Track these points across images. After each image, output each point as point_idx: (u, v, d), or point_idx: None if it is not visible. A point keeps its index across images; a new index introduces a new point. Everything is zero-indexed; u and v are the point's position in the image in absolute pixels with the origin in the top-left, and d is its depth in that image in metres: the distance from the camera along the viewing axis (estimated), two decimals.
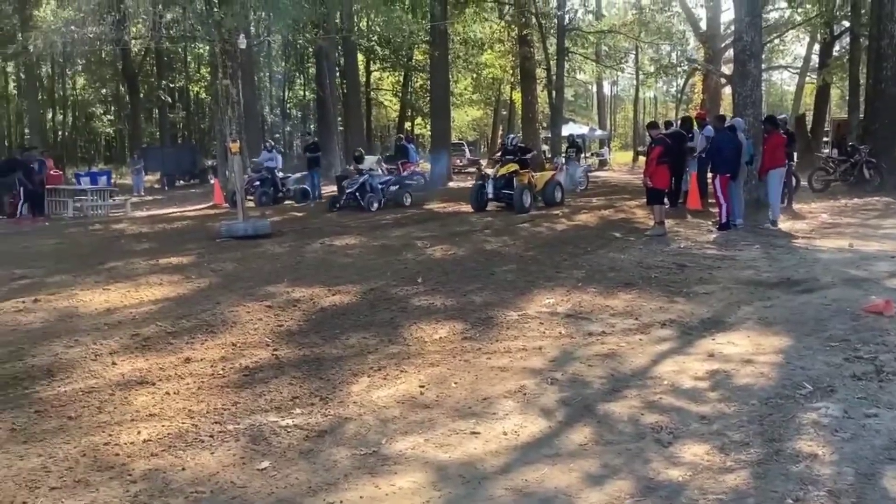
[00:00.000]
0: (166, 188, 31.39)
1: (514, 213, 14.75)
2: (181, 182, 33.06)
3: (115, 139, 51.23)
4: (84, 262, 10.38)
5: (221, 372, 5.08)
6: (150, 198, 25.70)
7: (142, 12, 25.35)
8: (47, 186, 18.81)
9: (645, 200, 12.62)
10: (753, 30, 12.60)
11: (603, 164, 38.70)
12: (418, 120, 47.39)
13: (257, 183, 19.54)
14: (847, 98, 26.39)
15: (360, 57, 36.45)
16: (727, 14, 32.26)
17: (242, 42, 18.15)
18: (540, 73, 32.82)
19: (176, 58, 45.02)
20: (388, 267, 9.16)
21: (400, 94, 43.68)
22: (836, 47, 29.03)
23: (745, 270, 8.34)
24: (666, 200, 12.22)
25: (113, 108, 48.45)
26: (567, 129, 33.45)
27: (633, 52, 39.71)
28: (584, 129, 41.77)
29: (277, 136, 44.40)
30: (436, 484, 3.40)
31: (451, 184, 25.74)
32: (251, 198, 18.56)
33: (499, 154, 17.53)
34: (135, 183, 29.13)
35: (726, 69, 28.01)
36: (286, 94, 48.73)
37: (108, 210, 19.57)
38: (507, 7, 33.19)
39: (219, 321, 6.50)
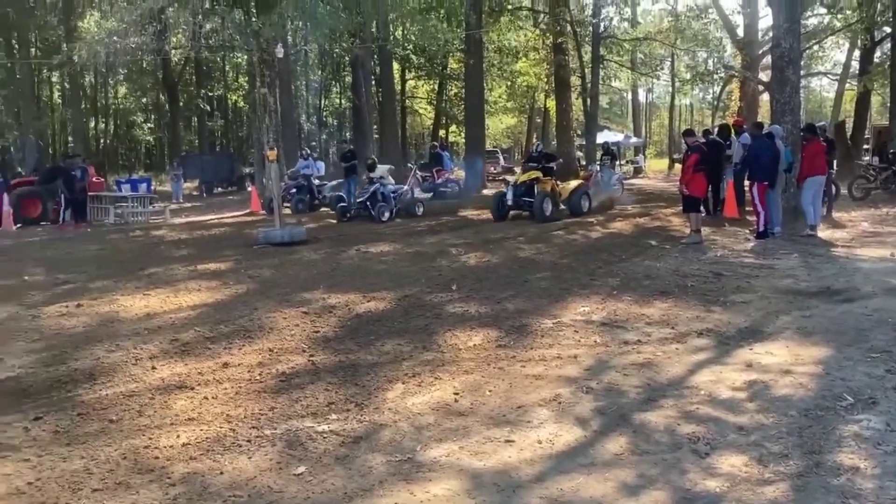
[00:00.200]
0: (205, 195, 31.87)
1: (535, 221, 14.47)
2: (219, 189, 33.55)
3: (155, 147, 52.12)
4: (125, 267, 10.58)
5: (258, 377, 5.15)
6: (188, 205, 26.12)
7: (182, 22, 25.77)
8: (89, 193, 19.21)
9: (681, 208, 12.50)
10: (792, 36, 12.43)
11: (638, 171, 38.42)
12: (453, 128, 47.48)
13: (294, 190, 19.75)
14: (888, 105, 25.82)
15: (396, 65, 36.67)
16: (765, 20, 31.81)
17: (280, 51, 18.43)
18: (574, 80, 32.70)
19: (215, 67, 45.71)
20: (423, 274, 9.20)
21: (434, 102, 43.84)
22: (877, 53, 28.50)
23: (784, 279, 8.22)
24: (702, 208, 12.09)
25: (153, 116, 49.33)
26: (602, 137, 33.24)
27: (669, 60, 39.42)
28: (619, 137, 41.51)
29: (314, 143, 44.76)
30: (470, 492, 3.40)
31: (485, 191, 25.72)
32: (288, 205, 18.75)
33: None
34: (174, 190, 29.65)
35: (764, 76, 27.67)
36: (322, 102, 49.17)
37: (148, 217, 19.92)
38: (541, 15, 33.18)
39: (256, 327, 6.59)
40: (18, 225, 17.78)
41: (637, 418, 4.26)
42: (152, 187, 29.36)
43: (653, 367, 5.17)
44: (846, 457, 3.62)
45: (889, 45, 26.34)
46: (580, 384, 4.85)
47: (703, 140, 13.09)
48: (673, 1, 34.54)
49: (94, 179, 20.67)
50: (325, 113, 50.50)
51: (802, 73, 22.67)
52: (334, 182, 21.74)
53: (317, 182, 20.84)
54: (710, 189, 13.05)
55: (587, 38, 30.77)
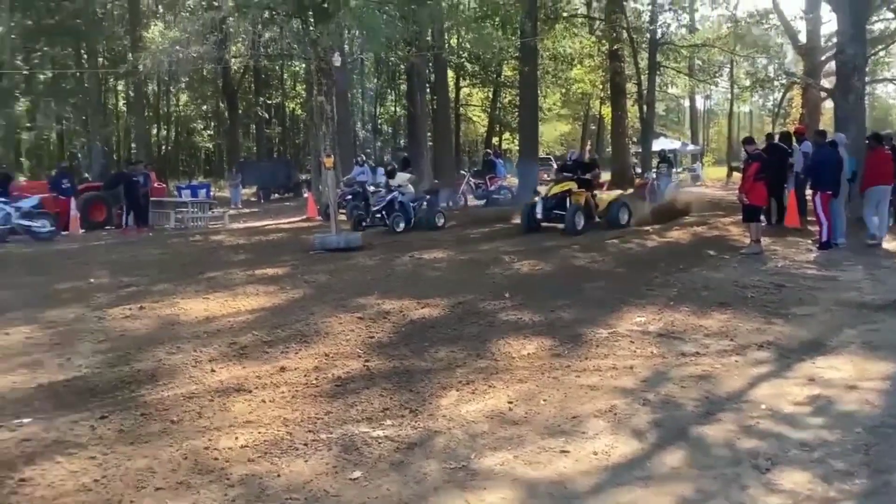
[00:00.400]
0: (262, 201, 32.44)
1: (567, 235, 13.56)
2: (276, 195, 34.11)
3: (214, 153, 53.28)
4: (185, 271, 10.84)
5: (315, 381, 5.22)
6: (246, 210, 26.62)
7: (242, 32, 26.36)
8: (151, 198, 19.73)
9: (740, 217, 12.25)
10: (857, 42, 12.11)
11: (695, 179, 37.76)
12: (506, 135, 47.45)
13: (349, 197, 19.94)
14: None
15: (450, 73, 36.80)
16: (828, 26, 30.97)
17: (337, 60, 18.66)
18: (630, 87, 32.33)
19: (273, 75, 46.55)
20: (476, 281, 9.20)
21: (488, 110, 43.89)
22: None
23: (848, 292, 7.99)
24: (763, 218, 11.82)
25: (213, 123, 50.45)
26: (658, 144, 32.88)
27: (728, 66, 38.68)
28: (676, 144, 40.96)
29: (368, 151, 45.26)
30: (525, 501, 3.39)
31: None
32: (343, 211, 18.96)
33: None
34: (232, 196, 30.25)
35: (827, 83, 26.89)
36: (377, 109, 49.66)
37: (207, 222, 20.35)
38: (597, 22, 32.94)
39: (312, 331, 6.67)
40: (83, 230, 18.33)
41: (695, 432, 4.19)
42: (211, 193, 29.99)
43: (711, 380, 5.08)
44: None
45: None
46: (636, 396, 4.79)
47: (766, 145, 12.80)
48: (732, 6, 33.78)
49: (155, 185, 21.21)
50: (379, 121, 51.00)
51: (868, 79, 22.05)
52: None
53: (372, 189, 21.02)
54: (771, 198, 12.76)
55: (644, 45, 30.40)
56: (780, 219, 13.67)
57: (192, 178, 43.26)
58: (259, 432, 4.26)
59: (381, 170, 23.55)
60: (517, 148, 34.94)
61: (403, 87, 40.90)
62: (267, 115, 47.60)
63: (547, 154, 44.41)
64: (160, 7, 36.52)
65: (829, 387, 4.84)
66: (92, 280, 10.19)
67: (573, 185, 14.47)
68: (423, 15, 22.39)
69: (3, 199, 16.03)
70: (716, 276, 9.12)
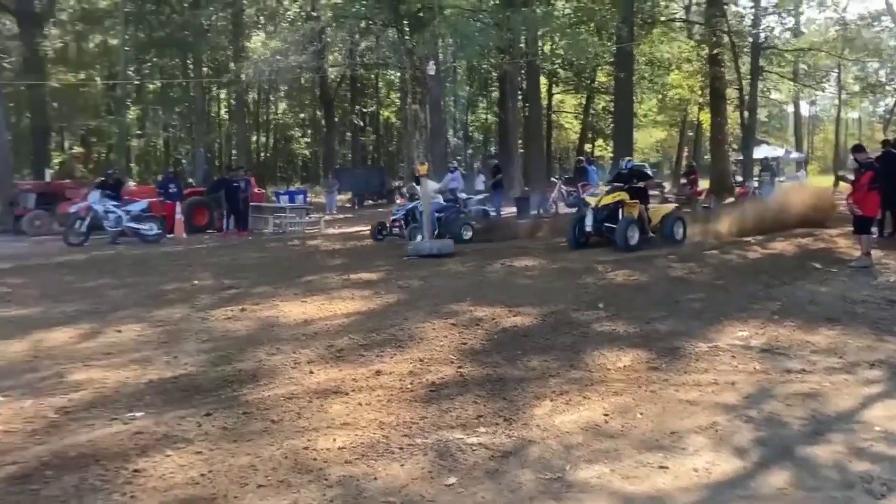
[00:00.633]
0: (356, 207, 33.11)
1: (617, 251, 12.55)
2: (370, 201, 34.78)
3: (310, 160, 54.76)
4: (284, 274, 11.16)
5: (409, 386, 5.27)
6: (341, 216, 27.23)
7: (339, 41, 27.07)
8: (251, 203, 20.43)
9: (850, 229, 11.69)
10: None
11: None
12: (599, 141, 46.88)
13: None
14: None
15: (543, 79, 36.65)
16: None
17: (432, 68, 18.92)
18: (731, 92, 31.43)
19: (368, 84, 47.52)
20: (569, 290, 9.10)
21: (581, 116, 43.45)
22: None
23: None
24: (874, 230, 11.25)
25: (309, 131, 51.90)
26: (760, 152, 31.76)
27: (836, 70, 37.05)
28: (779, 152, 39.42)
29: (459, 157, 45.55)
30: None
31: None
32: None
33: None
34: (328, 201, 30.99)
35: None
36: (469, 117, 49.94)
37: (304, 227, 20.92)
38: (696, 26, 32.15)
39: (406, 336, 6.75)
40: (187, 233, 19.14)
41: (802, 452, 4.01)
42: (308, 199, 30.81)
43: (819, 398, 4.86)
44: None
45: None
46: (739, 412, 4.63)
47: (882, 153, 12.17)
48: (841, 9, 32.34)
49: (255, 191, 21.95)
50: (470, 128, 51.25)
51: None
52: (480, 196, 21.98)
53: (463, 196, 21.12)
54: (883, 209, 12.13)
55: (746, 49, 29.49)
56: (893, 231, 13.00)
57: (290, 185, 44.55)
58: (356, 434, 4.34)
59: (482, 175, 23.50)
60: (610, 155, 34.47)
61: (495, 94, 41.00)
62: (362, 123, 48.60)
63: (642, 162, 43.62)
64: (261, 18, 37.79)
65: None
66: (196, 282, 10.62)
67: (626, 196, 13.36)
68: (517, 22, 22.44)
69: (114, 203, 16.91)
70: (822, 290, 8.73)
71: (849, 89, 36.05)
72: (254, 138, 47.69)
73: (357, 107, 45.79)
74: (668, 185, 35.05)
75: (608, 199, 13.44)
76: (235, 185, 19.45)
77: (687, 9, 34.70)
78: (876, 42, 30.75)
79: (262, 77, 26.03)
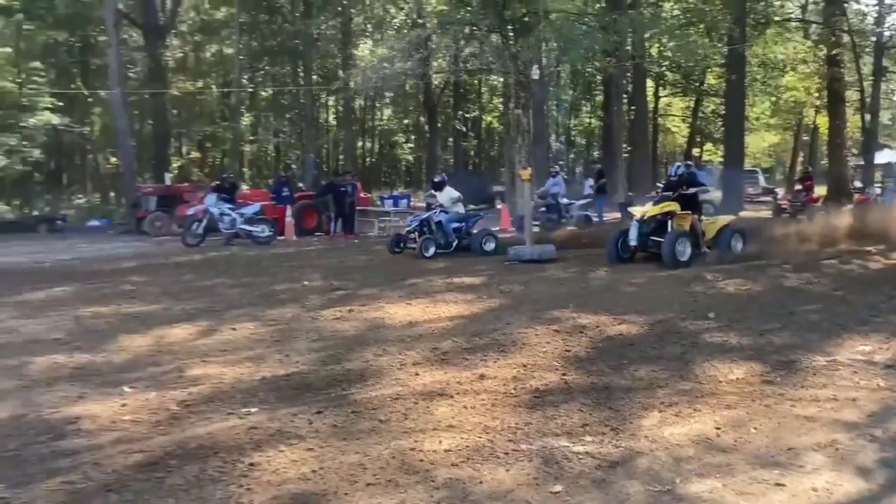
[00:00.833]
0: None
1: (666, 267, 11.29)
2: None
3: (413, 165, 55.53)
4: (389, 277, 11.37)
5: (513, 391, 5.27)
6: None
7: (443, 48, 27.38)
8: (357, 207, 20.93)
9: None
10: None
11: None
12: (707, 146, 45.50)
13: (543, 209, 20.02)
14: None
15: (649, 82, 35.92)
16: None
17: (535, 73, 18.87)
18: (851, 94, 29.88)
19: (471, 89, 47.77)
20: (676, 299, 8.87)
21: (689, 120, 42.30)
22: None
23: None
24: None
25: (413, 136, 52.65)
26: (882, 156, 30.00)
27: None
28: None
29: (561, 162, 45.16)
30: None
31: (741, 213, 24.28)
32: (537, 223, 19.03)
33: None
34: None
35: None
36: (572, 121, 49.46)
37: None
38: (813, 26, 30.75)
39: (509, 341, 6.75)
40: (296, 235, 19.78)
41: None
42: (411, 203, 31.22)
43: None
44: None
45: None
46: (861, 431, 4.40)
47: None
48: None
49: (361, 195, 22.48)
50: (573, 132, 50.75)
51: None
52: (583, 201, 21.75)
53: (564, 200, 20.95)
54: None
55: (868, 49, 27.98)
56: None
57: (393, 189, 45.32)
58: (461, 437, 4.37)
59: (590, 180, 23.18)
60: (720, 160, 33.42)
61: (599, 97, 40.47)
62: (464, 128, 48.90)
63: (753, 166, 42.06)
64: (369, 26, 38.65)
65: None
66: (306, 283, 10.96)
67: (676, 206, 11.99)
68: (623, 24, 22.11)
69: (229, 206, 17.67)
70: None
71: None
72: (360, 144, 48.77)
73: (460, 112, 46.12)
74: (780, 192, 33.65)
75: (655, 210, 12.08)
76: (343, 189, 19.99)
77: (803, 8, 33.26)
78: None
79: (370, 84, 26.61)
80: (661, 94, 41.55)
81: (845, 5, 27.36)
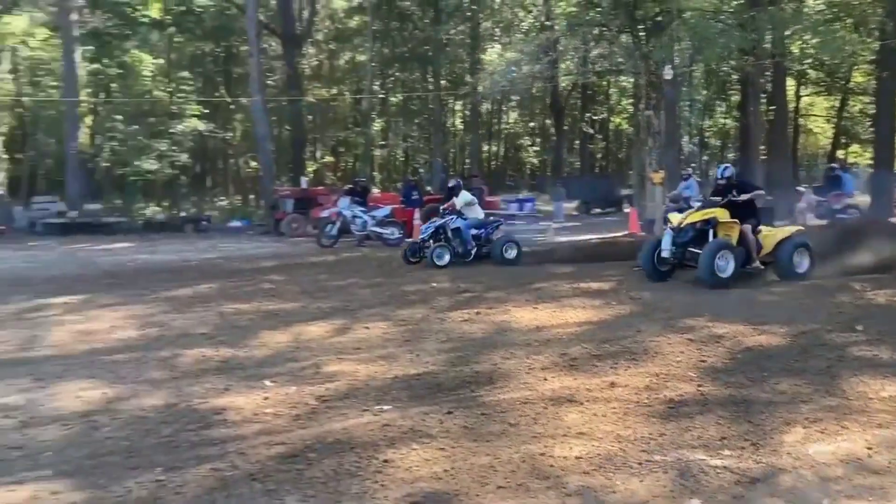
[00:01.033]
0: (584, 215, 32.92)
1: (703, 284, 10.00)
2: (597, 210, 34.41)
3: (538, 168, 55.32)
4: (515, 280, 11.35)
5: (646, 401, 5.16)
6: (569, 224, 27.17)
7: (571, 49, 27.15)
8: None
9: None
10: None
11: None
12: (853, 147, 42.80)
13: (675, 212, 19.42)
14: None
15: (790, 81, 34.14)
16: None
17: (669, 73, 18.38)
18: None
19: (600, 91, 47.08)
20: (821, 309, 8.38)
21: (834, 120, 39.93)
22: None
23: None
24: None
25: (538, 139, 52.45)
26: None
27: None
28: None
29: (693, 164, 43.71)
30: None
31: (893, 219, 22.64)
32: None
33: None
34: (555, 210, 31.10)
35: None
36: (705, 122, 47.76)
37: (532, 234, 21.16)
38: None
39: (641, 349, 6.61)
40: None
41: None
42: (535, 207, 31.16)
43: None
44: None
45: None
46: None
47: None
48: None
49: (487, 199, 22.60)
50: (707, 134, 48.98)
51: None
52: None
53: (697, 204, 20.22)
54: None
55: None
56: None
57: (518, 193, 45.32)
58: (592, 445, 4.32)
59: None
60: (868, 162, 31.37)
61: (735, 97, 38.85)
62: (592, 131, 48.23)
63: None
64: (497, 31, 38.83)
65: None
66: (434, 284, 11.14)
67: (722, 213, 10.46)
68: (762, 21, 21.17)
69: (361, 209, 18.22)
70: None
71: None
72: (485, 147, 49.07)
73: (587, 114, 45.54)
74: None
75: (696, 216, 10.54)
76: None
77: None
78: None
79: (497, 88, 26.74)
80: (802, 94, 39.42)
81: None
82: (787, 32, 24.72)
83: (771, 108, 31.67)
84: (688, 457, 4.13)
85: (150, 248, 19.84)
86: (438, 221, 13.61)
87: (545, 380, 5.73)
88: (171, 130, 31.59)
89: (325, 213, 19.21)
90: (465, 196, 14.06)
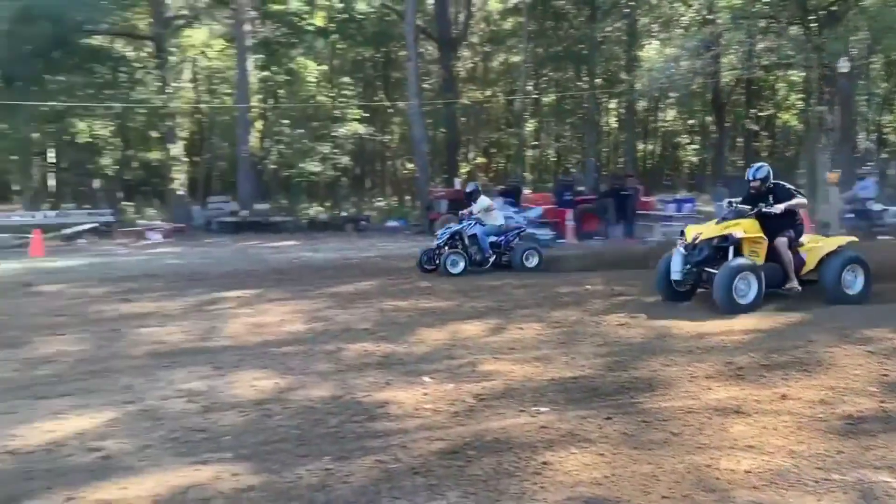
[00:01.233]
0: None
1: (721, 311, 8.46)
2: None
3: (697, 167, 53.16)
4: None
5: (821, 415, 4.85)
6: None
7: (735, 43, 25.89)
8: (637, 212, 20.54)
9: None
10: None
11: None
12: None
13: (850, 215, 18.11)
14: None
15: None
16: None
17: (845, 66, 17.14)
18: None
19: (766, 86, 44.59)
20: None
21: None
22: None
23: None
24: None
25: (697, 137, 50.39)
26: None
27: None
28: None
29: (871, 163, 40.51)
30: None
31: None
32: (843, 230, 17.27)
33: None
34: (717, 211, 29.80)
35: None
36: (884, 117, 44.10)
37: None
38: None
39: (813, 360, 6.22)
40: (576, 239, 19.91)
41: None
42: (696, 207, 29.93)
43: None
44: None
45: None
46: None
47: None
48: None
49: (642, 199, 22.03)
50: (886, 130, 45.21)
51: None
52: None
53: (877, 207, 18.74)
54: None
55: None
56: None
57: (676, 193, 43.80)
58: (762, 459, 4.12)
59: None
60: None
61: None
62: (756, 128, 45.76)
63: None
64: (654, 27, 37.70)
65: None
66: (588, 287, 11.00)
67: (750, 227, 8.93)
68: None
69: (514, 210, 18.28)
70: None
71: None
72: (640, 146, 47.76)
73: (752, 111, 43.21)
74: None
75: (713, 231, 9.00)
76: (625, 192, 19.74)
77: None
78: None
79: (655, 85, 25.98)
80: None
81: None
82: None
83: None
84: (870, 477, 3.85)
85: (313, 246, 20.86)
86: (455, 227, 13.12)
87: (709, 389, 5.52)
88: (333, 134, 33.05)
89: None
90: (483, 201, 13.56)
